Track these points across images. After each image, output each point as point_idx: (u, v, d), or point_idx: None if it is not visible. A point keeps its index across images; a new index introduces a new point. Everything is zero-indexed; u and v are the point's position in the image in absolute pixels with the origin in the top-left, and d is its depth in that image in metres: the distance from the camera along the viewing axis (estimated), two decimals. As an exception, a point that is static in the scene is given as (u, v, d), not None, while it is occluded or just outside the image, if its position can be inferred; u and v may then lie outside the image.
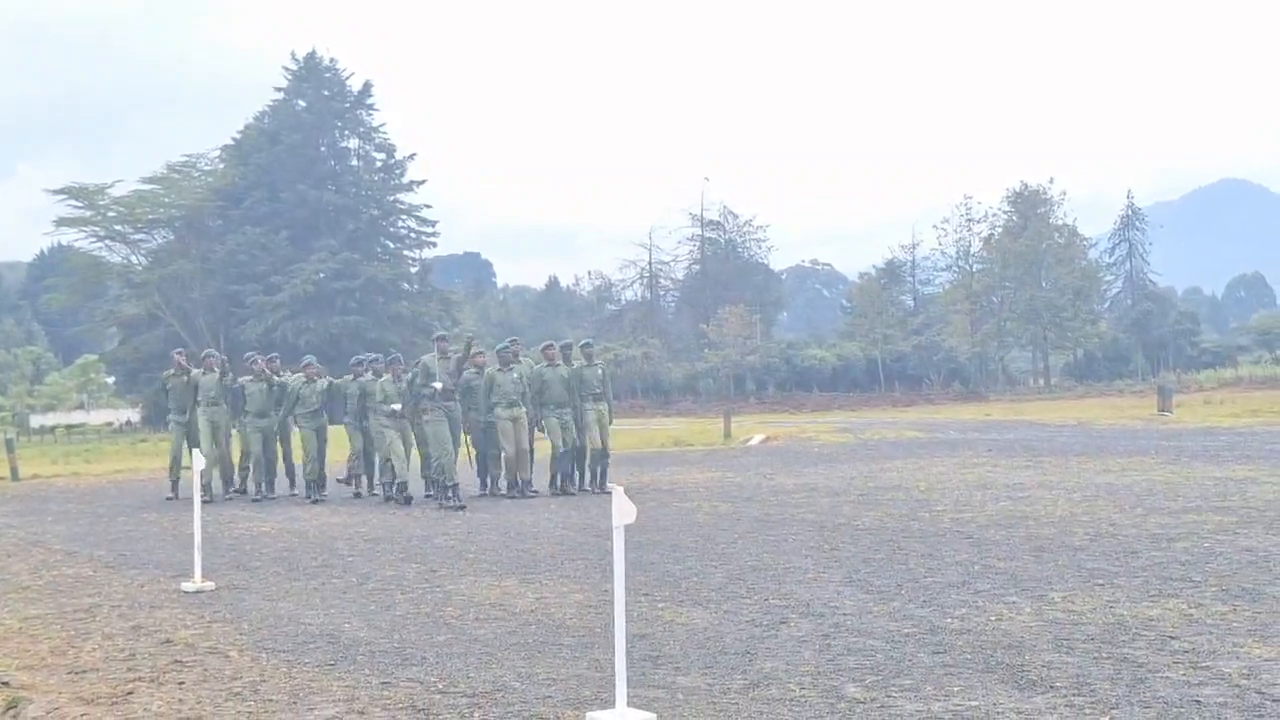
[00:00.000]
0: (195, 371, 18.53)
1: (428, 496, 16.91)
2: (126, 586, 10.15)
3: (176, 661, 7.13)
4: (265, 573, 10.61)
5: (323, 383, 18.46)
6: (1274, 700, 5.54)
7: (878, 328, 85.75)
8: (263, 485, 18.18)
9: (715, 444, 30.30)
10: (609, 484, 17.69)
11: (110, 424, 68.71)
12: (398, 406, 16.73)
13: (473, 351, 17.16)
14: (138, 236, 71.52)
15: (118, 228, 70.27)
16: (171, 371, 18.89)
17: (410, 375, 16.99)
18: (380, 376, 17.33)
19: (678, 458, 25.01)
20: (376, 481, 17.88)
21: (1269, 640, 6.70)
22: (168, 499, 18.01)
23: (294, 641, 7.59)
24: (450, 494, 15.85)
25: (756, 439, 31.28)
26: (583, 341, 19.00)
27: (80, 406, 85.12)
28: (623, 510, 5.70)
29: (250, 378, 18.30)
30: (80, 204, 69.03)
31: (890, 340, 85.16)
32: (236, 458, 18.78)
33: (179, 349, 20.32)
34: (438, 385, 16.14)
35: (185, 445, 17.87)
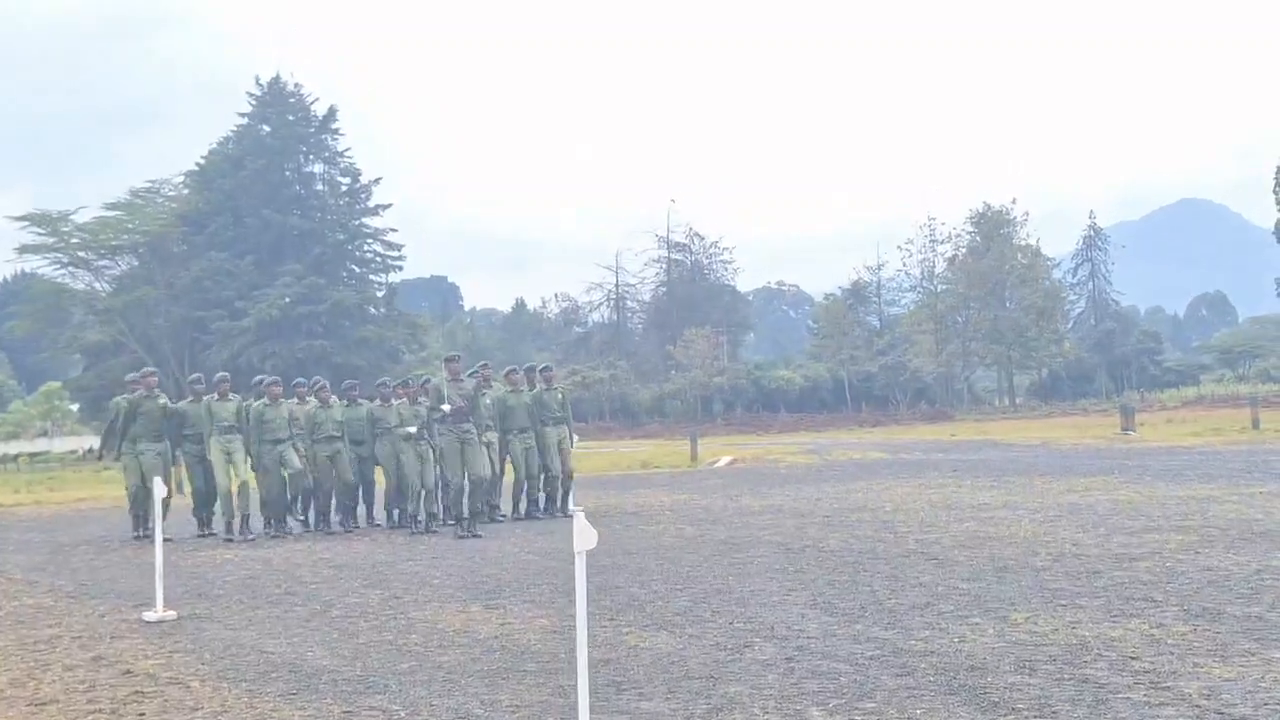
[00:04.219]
0: (208, 398, 16.67)
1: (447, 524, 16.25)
2: (88, 617, 10.06)
3: (137, 692, 7.07)
4: (228, 601, 10.54)
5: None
6: None
7: (844, 348, 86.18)
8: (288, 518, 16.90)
9: (682, 466, 30.29)
10: (571, 507, 17.67)
11: (74, 452, 68.05)
12: (413, 429, 16.50)
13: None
14: (101, 263, 70.98)
15: (81, 254, 69.72)
16: (142, 393, 16.68)
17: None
18: (392, 401, 17.10)
19: (644, 480, 25.00)
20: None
21: (1229, 660, 6.74)
22: (142, 535, 16.24)
23: (256, 671, 7.54)
24: (460, 521, 15.49)
25: (723, 461, 31.27)
26: (542, 366, 19.01)
27: (44, 434, 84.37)
28: (583, 536, 5.68)
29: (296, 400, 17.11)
30: (43, 230, 68.45)
31: (856, 361, 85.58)
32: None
33: (151, 369, 17.94)
34: (446, 407, 15.86)
35: (155, 476, 15.42)
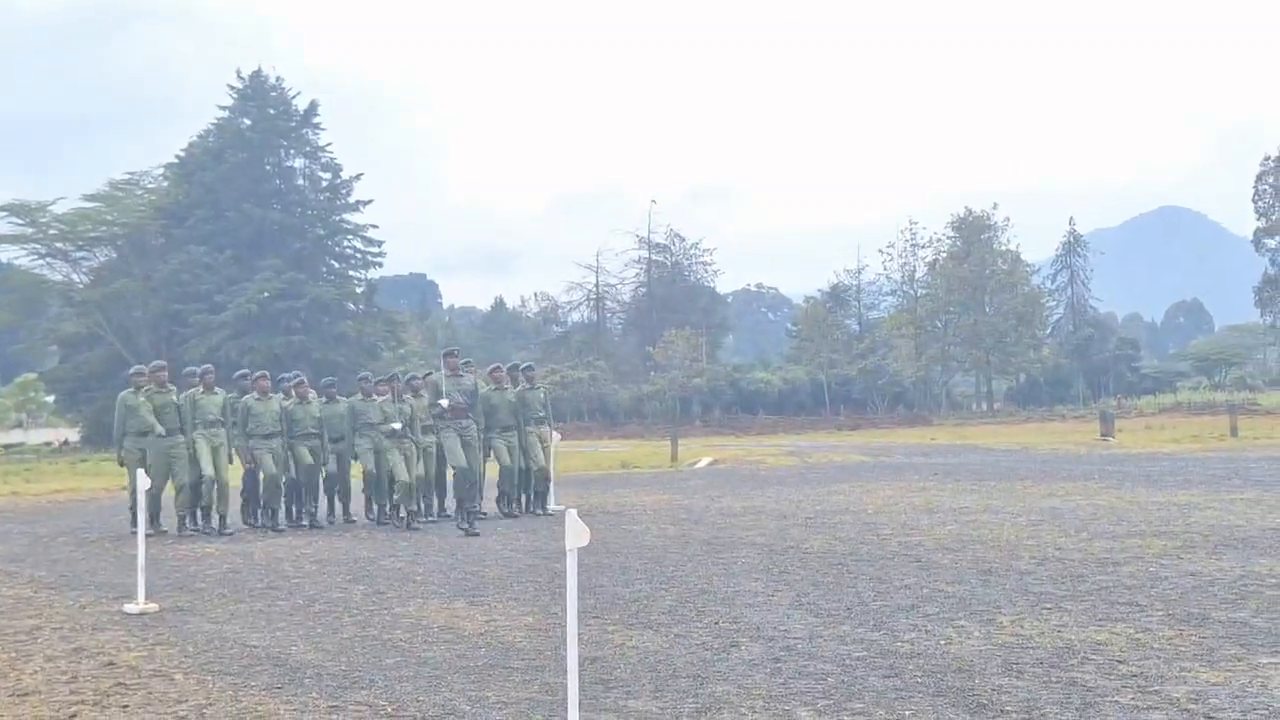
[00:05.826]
0: (190, 391, 16.31)
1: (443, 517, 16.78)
2: (68, 608, 9.99)
3: (120, 684, 7.02)
4: (210, 594, 10.48)
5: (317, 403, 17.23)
6: (1221, 723, 5.59)
7: (823, 351, 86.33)
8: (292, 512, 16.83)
9: (662, 466, 30.25)
10: (550, 506, 17.65)
11: (49, 443, 67.80)
12: (398, 426, 16.38)
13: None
14: (79, 254, 70.57)
15: (59, 245, 69.32)
16: (149, 386, 16.12)
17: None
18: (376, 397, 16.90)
19: (625, 480, 24.97)
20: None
21: (1216, 664, 6.75)
22: (168, 530, 15.99)
23: (240, 664, 7.50)
24: (468, 516, 15.36)
25: (703, 462, 31.27)
26: (524, 365, 19.01)
27: (19, 425, 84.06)
28: (576, 533, 5.66)
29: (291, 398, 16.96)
30: (21, 221, 68.01)
31: (836, 364, 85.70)
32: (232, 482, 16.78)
33: (160, 363, 17.21)
34: (444, 402, 15.77)
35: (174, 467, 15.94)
